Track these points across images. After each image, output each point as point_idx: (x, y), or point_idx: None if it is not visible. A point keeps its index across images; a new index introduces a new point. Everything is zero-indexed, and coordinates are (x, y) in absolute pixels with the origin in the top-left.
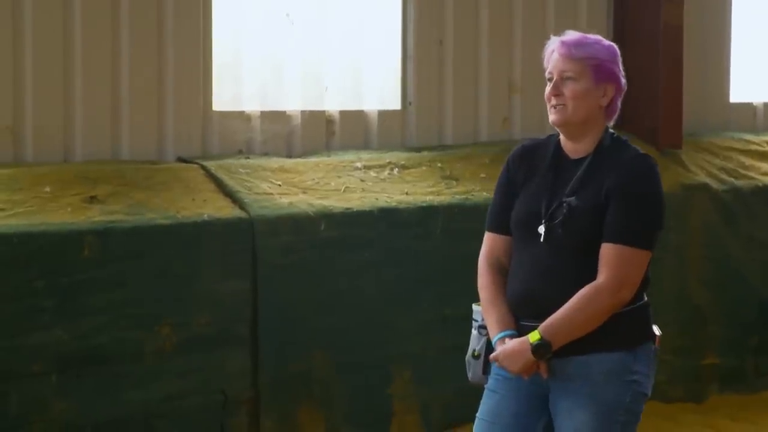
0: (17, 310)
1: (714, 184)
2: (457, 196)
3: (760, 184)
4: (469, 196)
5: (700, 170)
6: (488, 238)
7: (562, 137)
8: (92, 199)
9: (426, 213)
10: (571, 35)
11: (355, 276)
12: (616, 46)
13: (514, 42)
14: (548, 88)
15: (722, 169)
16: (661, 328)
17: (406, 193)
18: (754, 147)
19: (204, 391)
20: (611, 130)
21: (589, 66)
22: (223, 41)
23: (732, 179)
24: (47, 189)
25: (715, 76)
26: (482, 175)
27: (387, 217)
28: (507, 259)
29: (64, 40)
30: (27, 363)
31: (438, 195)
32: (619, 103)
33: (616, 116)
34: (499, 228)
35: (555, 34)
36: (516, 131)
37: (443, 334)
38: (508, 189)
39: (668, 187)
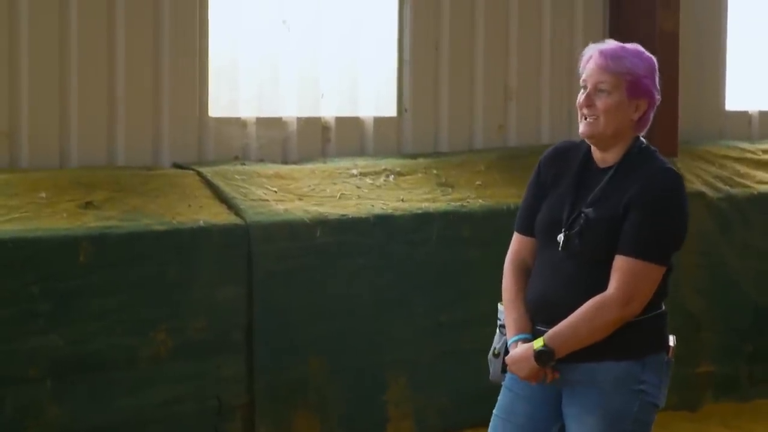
0: (13, 315)
1: (709, 192)
2: (453, 203)
3: (755, 193)
4: (465, 203)
5: (696, 178)
6: (515, 238)
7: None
8: (88, 205)
9: (421, 220)
10: (610, 45)
11: (350, 282)
12: (654, 59)
13: (510, 48)
14: (581, 97)
15: (717, 177)
16: None
17: (402, 200)
18: (749, 155)
19: (199, 397)
20: (641, 140)
21: (624, 81)
22: (220, 47)
23: (727, 187)
24: (43, 194)
25: (710, 84)
26: (478, 182)
27: (382, 223)
28: (533, 260)
29: (60, 45)
30: (22, 368)
31: (433, 202)
32: (651, 116)
33: (647, 128)
34: (527, 230)
35: (551, 40)
36: (511, 138)
37: (438, 340)
38: (536, 191)
39: None
